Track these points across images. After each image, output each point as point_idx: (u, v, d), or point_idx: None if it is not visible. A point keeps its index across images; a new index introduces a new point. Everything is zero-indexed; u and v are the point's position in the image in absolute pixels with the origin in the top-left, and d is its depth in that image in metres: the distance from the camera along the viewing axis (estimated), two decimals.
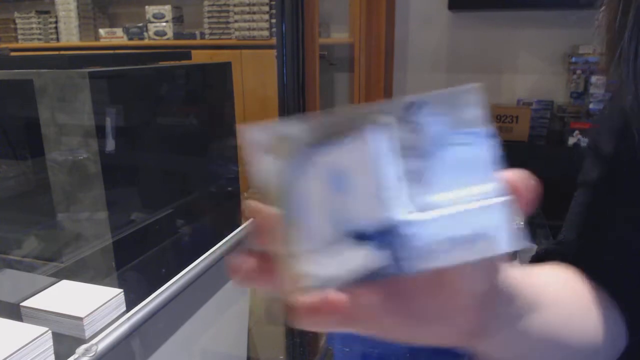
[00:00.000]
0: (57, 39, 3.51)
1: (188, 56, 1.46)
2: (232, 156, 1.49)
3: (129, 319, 0.73)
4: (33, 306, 0.70)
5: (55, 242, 1.07)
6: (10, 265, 1.01)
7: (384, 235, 0.21)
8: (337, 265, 0.22)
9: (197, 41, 3.18)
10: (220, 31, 3.09)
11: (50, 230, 1.05)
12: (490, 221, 0.22)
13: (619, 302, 0.41)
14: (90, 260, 1.02)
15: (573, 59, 2.49)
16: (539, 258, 0.48)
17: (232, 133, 1.50)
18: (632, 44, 0.38)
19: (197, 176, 1.39)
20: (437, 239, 0.21)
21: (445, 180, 0.21)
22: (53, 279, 0.78)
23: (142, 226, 1.13)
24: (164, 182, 1.25)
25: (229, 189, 1.53)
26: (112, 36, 3.40)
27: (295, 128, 0.21)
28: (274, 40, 2.13)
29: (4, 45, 3.60)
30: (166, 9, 3.22)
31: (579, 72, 2.49)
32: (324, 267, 0.22)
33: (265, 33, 2.98)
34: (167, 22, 3.23)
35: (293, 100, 1.82)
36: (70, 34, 3.45)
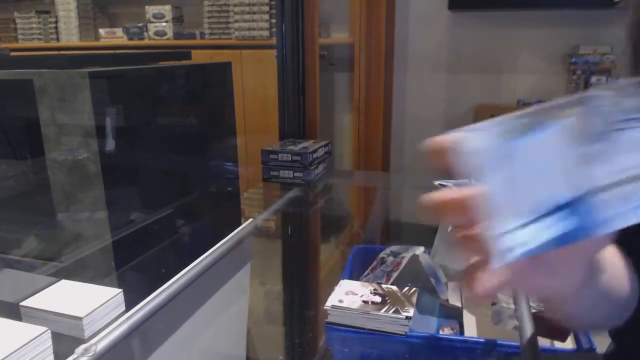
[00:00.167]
0: (57, 39, 3.51)
1: (188, 56, 1.46)
2: (232, 156, 1.49)
3: (128, 318, 0.73)
4: (32, 306, 0.70)
5: (55, 242, 1.07)
6: (10, 265, 1.01)
7: (574, 206, 0.26)
8: (534, 235, 0.27)
9: (197, 41, 3.18)
10: (220, 31, 3.09)
11: (50, 230, 1.05)
12: None
13: (636, 269, 0.50)
14: (89, 260, 1.02)
15: (573, 59, 2.49)
16: None
17: (232, 133, 1.50)
18: None
19: (197, 176, 1.39)
20: (617, 208, 0.26)
21: (623, 159, 0.26)
22: (52, 279, 0.78)
23: (142, 226, 1.13)
24: (164, 182, 1.25)
25: (229, 189, 1.53)
26: (112, 36, 3.40)
27: (496, 125, 0.28)
28: (274, 40, 2.13)
29: (4, 45, 3.60)
30: (166, 9, 3.22)
31: (579, 72, 2.49)
32: (524, 237, 0.27)
33: (265, 33, 2.98)
34: (167, 22, 3.23)
35: (293, 100, 1.82)
36: (70, 34, 3.45)
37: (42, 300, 0.72)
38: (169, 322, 0.85)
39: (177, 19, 3.29)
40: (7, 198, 1.12)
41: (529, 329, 0.70)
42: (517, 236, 0.27)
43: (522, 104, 2.63)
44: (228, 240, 1.07)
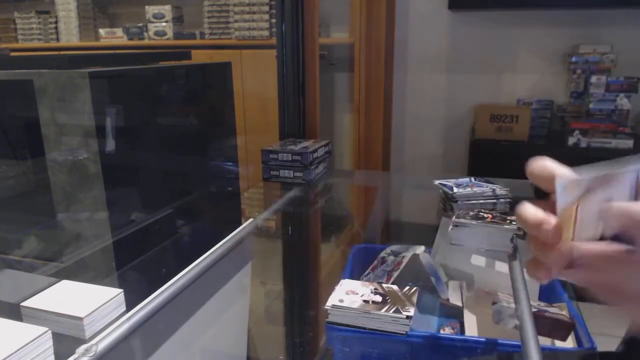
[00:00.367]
0: (57, 39, 3.51)
1: (188, 56, 1.46)
2: (232, 156, 1.49)
3: (129, 319, 0.73)
4: (33, 306, 0.70)
5: (55, 242, 1.07)
6: (11, 265, 1.01)
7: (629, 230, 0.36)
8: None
9: (197, 41, 3.18)
10: (220, 31, 3.09)
11: (50, 230, 1.06)
12: None
13: None
14: (90, 260, 1.02)
15: (573, 59, 2.49)
16: None
17: (232, 133, 1.50)
18: None
19: (197, 176, 1.39)
20: None
21: None
22: (53, 279, 0.78)
23: (142, 226, 1.13)
24: (164, 182, 1.25)
25: (229, 188, 1.53)
26: (112, 36, 3.40)
27: (585, 172, 0.36)
28: (274, 40, 2.13)
29: (4, 45, 3.60)
30: (166, 9, 3.22)
31: (579, 72, 2.49)
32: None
33: (265, 33, 2.98)
34: (167, 22, 3.23)
35: (293, 100, 1.82)
36: (70, 34, 3.46)
37: (43, 300, 0.72)
38: (169, 322, 0.85)
39: (177, 19, 3.29)
40: (7, 198, 1.12)
41: (529, 328, 0.70)
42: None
43: (522, 104, 2.63)
44: (228, 240, 1.07)
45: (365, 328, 0.85)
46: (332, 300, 0.88)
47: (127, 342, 0.71)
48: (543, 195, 0.41)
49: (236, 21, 3.00)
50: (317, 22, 1.83)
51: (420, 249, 1.09)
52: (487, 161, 2.51)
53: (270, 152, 1.60)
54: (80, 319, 0.67)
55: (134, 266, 1.05)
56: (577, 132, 2.37)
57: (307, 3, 1.77)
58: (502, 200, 1.14)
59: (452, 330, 0.95)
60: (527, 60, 2.66)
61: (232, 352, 1.13)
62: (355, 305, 0.86)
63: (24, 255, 1.05)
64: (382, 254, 1.15)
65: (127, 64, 1.21)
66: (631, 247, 0.36)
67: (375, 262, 1.15)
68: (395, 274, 1.04)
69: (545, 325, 0.83)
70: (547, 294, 0.97)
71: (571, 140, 2.37)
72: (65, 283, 0.77)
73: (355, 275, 1.13)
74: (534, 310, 0.78)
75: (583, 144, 2.36)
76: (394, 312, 0.85)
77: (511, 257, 0.81)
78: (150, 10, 3.23)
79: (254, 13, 2.97)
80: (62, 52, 3.39)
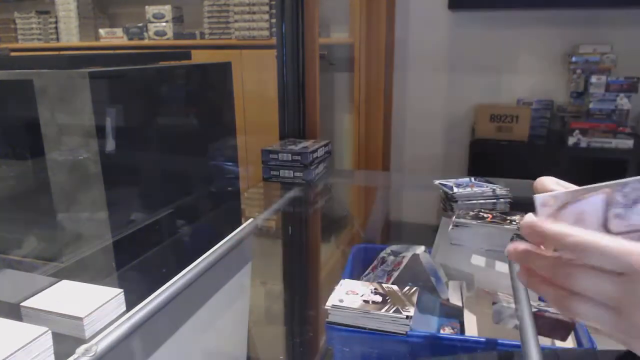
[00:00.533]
0: (57, 39, 3.51)
1: (188, 56, 1.46)
2: (232, 156, 1.49)
3: (129, 319, 0.73)
4: (33, 306, 0.70)
5: (55, 242, 1.07)
6: (11, 265, 1.01)
7: None
8: None
9: (197, 41, 3.18)
10: (220, 31, 3.09)
11: (50, 230, 1.05)
12: None
13: None
14: (90, 260, 1.02)
15: (573, 59, 2.49)
16: None
17: (232, 133, 1.50)
18: None
19: (197, 176, 1.39)
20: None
21: (635, 218, 0.39)
22: (53, 279, 0.78)
23: (142, 226, 1.13)
24: (164, 182, 1.25)
25: (229, 188, 1.53)
26: (112, 36, 3.40)
27: (561, 194, 0.40)
28: (274, 40, 2.13)
29: (4, 45, 3.60)
30: (166, 9, 3.22)
31: (579, 72, 2.49)
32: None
33: (265, 33, 2.98)
34: (167, 22, 3.23)
35: (293, 100, 1.82)
36: (70, 34, 3.46)
37: (43, 300, 0.72)
38: (169, 322, 0.85)
39: (177, 19, 3.29)
40: (7, 198, 1.12)
41: (529, 328, 0.70)
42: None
43: (522, 104, 2.63)
44: (228, 240, 1.07)
45: (365, 328, 0.85)
46: (332, 300, 0.88)
47: (127, 342, 0.71)
48: None
49: (236, 21, 3.00)
50: (317, 22, 1.83)
51: (420, 249, 1.09)
52: (487, 161, 2.51)
53: (270, 152, 1.60)
54: (80, 319, 0.67)
55: (134, 266, 1.05)
56: (577, 132, 2.37)
57: (307, 3, 1.77)
58: (502, 200, 1.14)
59: (452, 330, 0.95)
60: (527, 60, 2.66)
61: (232, 352, 1.13)
62: (355, 305, 0.86)
63: (24, 255, 1.05)
64: (382, 254, 1.15)
65: (127, 64, 1.21)
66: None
67: (375, 262, 1.15)
68: (395, 274, 1.04)
69: (545, 325, 0.83)
70: None
71: (571, 140, 2.37)
72: (65, 283, 0.77)
73: (355, 275, 1.13)
74: (534, 310, 0.78)
75: (583, 144, 2.36)
76: (394, 312, 0.85)
77: None
78: (150, 10, 3.23)
79: (254, 13, 2.97)
80: (62, 52, 3.39)
